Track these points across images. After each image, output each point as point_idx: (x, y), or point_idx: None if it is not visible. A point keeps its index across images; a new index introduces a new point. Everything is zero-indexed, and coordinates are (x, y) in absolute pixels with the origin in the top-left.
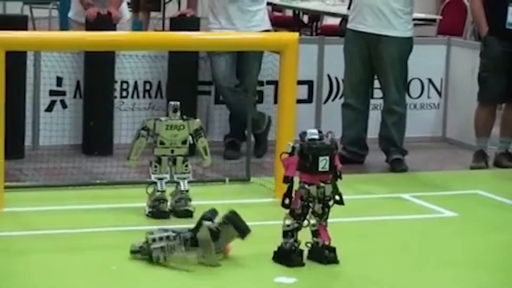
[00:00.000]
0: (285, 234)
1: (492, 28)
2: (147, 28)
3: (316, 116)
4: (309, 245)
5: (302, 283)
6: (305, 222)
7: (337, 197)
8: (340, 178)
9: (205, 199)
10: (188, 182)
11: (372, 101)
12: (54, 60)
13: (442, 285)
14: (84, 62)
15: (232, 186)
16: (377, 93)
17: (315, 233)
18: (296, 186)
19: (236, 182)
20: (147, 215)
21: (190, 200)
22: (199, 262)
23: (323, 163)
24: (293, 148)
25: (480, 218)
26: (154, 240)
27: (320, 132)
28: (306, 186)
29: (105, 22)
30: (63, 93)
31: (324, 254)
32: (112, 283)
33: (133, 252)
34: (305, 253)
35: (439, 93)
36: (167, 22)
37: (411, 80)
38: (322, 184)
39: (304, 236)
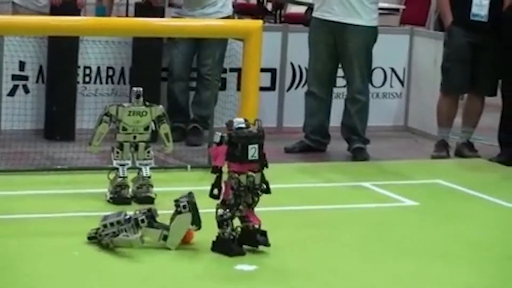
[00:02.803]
0: (220, 224)
1: (456, 19)
2: (110, 14)
3: (279, 104)
4: (238, 229)
5: (263, 270)
6: (238, 211)
7: (263, 186)
8: (267, 167)
9: (167, 185)
10: (150, 168)
11: (335, 90)
12: (17, 45)
13: (398, 276)
14: (48, 47)
15: (194, 173)
16: (340, 81)
17: (243, 219)
18: (224, 176)
19: (198, 169)
20: (109, 201)
21: (151, 186)
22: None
23: (253, 151)
24: (222, 137)
25: (440, 208)
26: (105, 226)
27: (246, 120)
28: (236, 175)
29: (70, 7)
30: (25, 78)
31: (256, 238)
32: (75, 268)
33: (89, 238)
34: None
35: (402, 83)
36: (131, 8)
37: (374, 69)
38: (250, 173)
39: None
